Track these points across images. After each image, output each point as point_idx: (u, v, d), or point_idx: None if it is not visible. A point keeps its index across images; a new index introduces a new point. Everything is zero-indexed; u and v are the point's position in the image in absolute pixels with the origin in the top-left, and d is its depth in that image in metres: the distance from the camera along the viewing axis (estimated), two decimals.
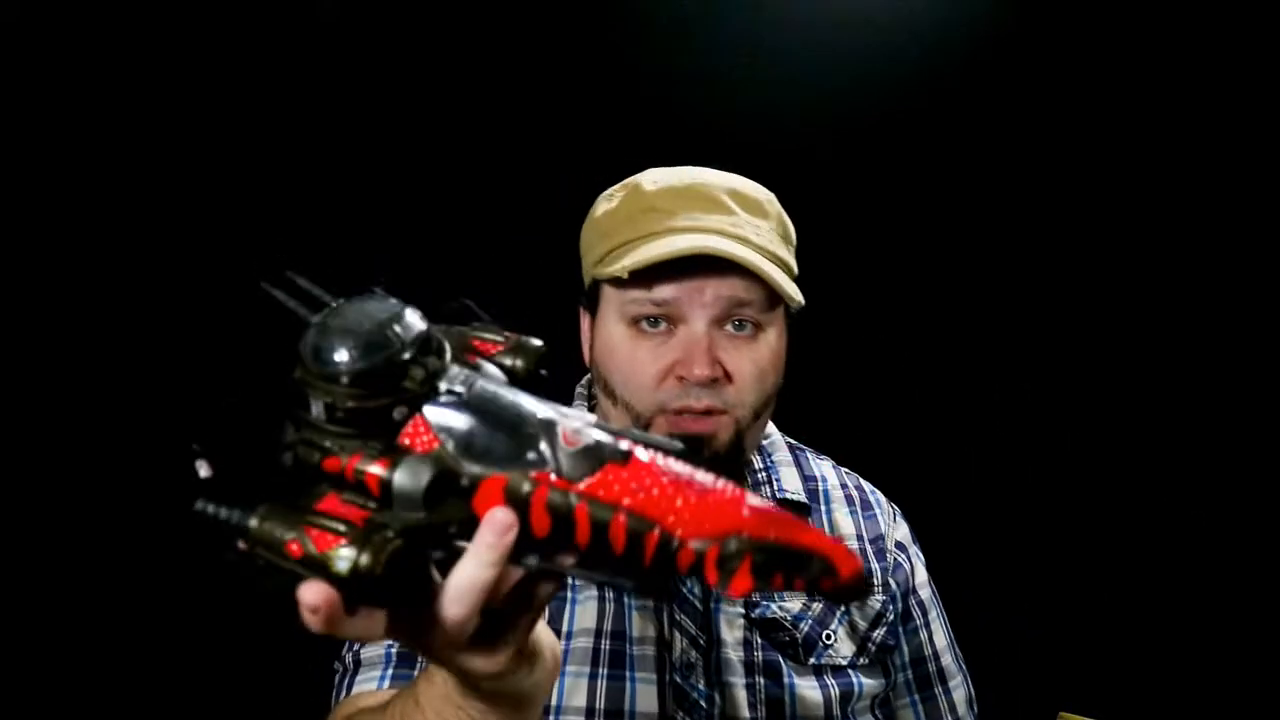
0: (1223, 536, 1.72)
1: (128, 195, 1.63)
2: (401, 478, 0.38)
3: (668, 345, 0.82)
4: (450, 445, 0.39)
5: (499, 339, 0.46)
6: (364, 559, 0.36)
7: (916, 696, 0.94)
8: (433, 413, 0.40)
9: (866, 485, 1.01)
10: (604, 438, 0.40)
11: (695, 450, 0.76)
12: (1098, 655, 1.73)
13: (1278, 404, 1.73)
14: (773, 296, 0.83)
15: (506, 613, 0.45)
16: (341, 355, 0.39)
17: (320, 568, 0.36)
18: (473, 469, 0.39)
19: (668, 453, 0.41)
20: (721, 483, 0.40)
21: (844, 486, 0.98)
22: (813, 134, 1.78)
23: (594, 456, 0.39)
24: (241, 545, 0.38)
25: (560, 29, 1.76)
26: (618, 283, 0.83)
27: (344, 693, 0.79)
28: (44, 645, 1.56)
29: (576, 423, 0.41)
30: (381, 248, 1.68)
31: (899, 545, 0.96)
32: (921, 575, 0.97)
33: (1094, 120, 1.79)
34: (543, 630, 0.50)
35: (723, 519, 0.38)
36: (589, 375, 0.95)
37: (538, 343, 0.47)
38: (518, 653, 0.46)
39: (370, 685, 0.78)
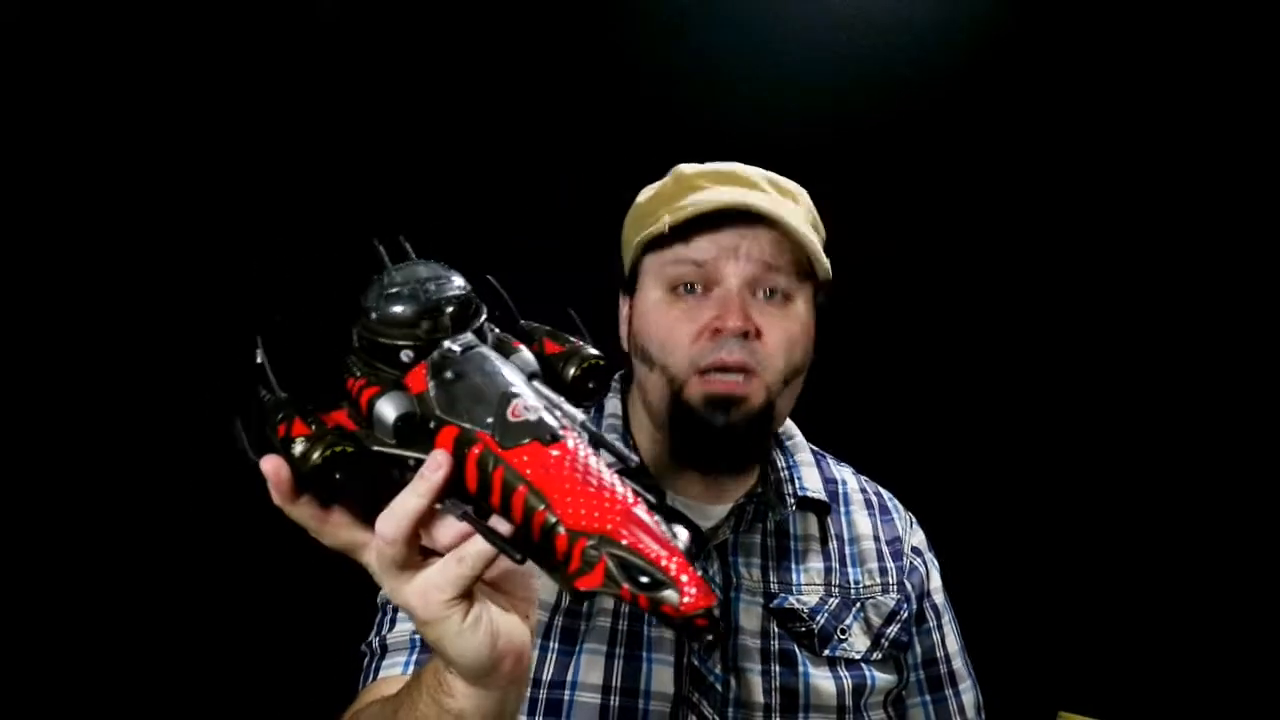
0: (1223, 536, 1.72)
1: (124, 194, 1.63)
2: (381, 405, 0.45)
3: (703, 305, 0.86)
4: (433, 392, 0.46)
5: (563, 344, 0.53)
6: (310, 451, 0.44)
7: (928, 697, 0.96)
8: (431, 363, 0.47)
9: (885, 493, 1.04)
10: (549, 420, 0.44)
11: (724, 409, 0.83)
12: (1098, 655, 1.73)
13: (1277, 404, 1.73)
14: (802, 268, 0.87)
15: (442, 561, 0.48)
16: (373, 296, 0.48)
17: (284, 449, 0.45)
18: (441, 416, 0.45)
19: (619, 464, 0.45)
20: (625, 489, 0.42)
21: (863, 491, 1.01)
22: (813, 134, 1.78)
23: (528, 431, 0.43)
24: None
25: (560, 29, 1.76)
26: (658, 247, 0.88)
27: (371, 677, 0.82)
28: (47, 643, 1.56)
29: (533, 401, 0.45)
30: (380, 246, 1.68)
31: (915, 550, 0.99)
32: (936, 581, 1.00)
33: (1094, 120, 1.79)
34: (514, 623, 0.52)
35: (604, 519, 0.40)
36: (621, 371, 0.98)
37: (592, 352, 0.52)
38: (449, 604, 0.48)
39: (395, 670, 0.80)
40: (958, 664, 0.98)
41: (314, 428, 0.45)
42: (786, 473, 0.96)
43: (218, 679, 1.59)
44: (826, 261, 0.89)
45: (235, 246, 1.63)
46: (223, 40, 1.66)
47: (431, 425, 0.45)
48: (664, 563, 0.39)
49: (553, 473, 0.42)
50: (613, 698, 0.82)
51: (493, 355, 0.47)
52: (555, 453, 0.43)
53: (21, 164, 1.59)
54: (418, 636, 0.81)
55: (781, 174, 0.93)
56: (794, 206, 0.89)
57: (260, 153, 1.67)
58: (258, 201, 1.66)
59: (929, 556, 1.01)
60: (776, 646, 0.86)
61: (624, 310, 0.96)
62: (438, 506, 0.46)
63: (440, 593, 0.47)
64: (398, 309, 0.47)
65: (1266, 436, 1.73)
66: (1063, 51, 1.78)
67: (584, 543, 0.40)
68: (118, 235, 1.62)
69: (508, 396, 0.44)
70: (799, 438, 1.02)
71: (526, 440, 0.43)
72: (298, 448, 0.44)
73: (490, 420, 0.44)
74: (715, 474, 0.92)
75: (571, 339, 0.54)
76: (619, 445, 0.48)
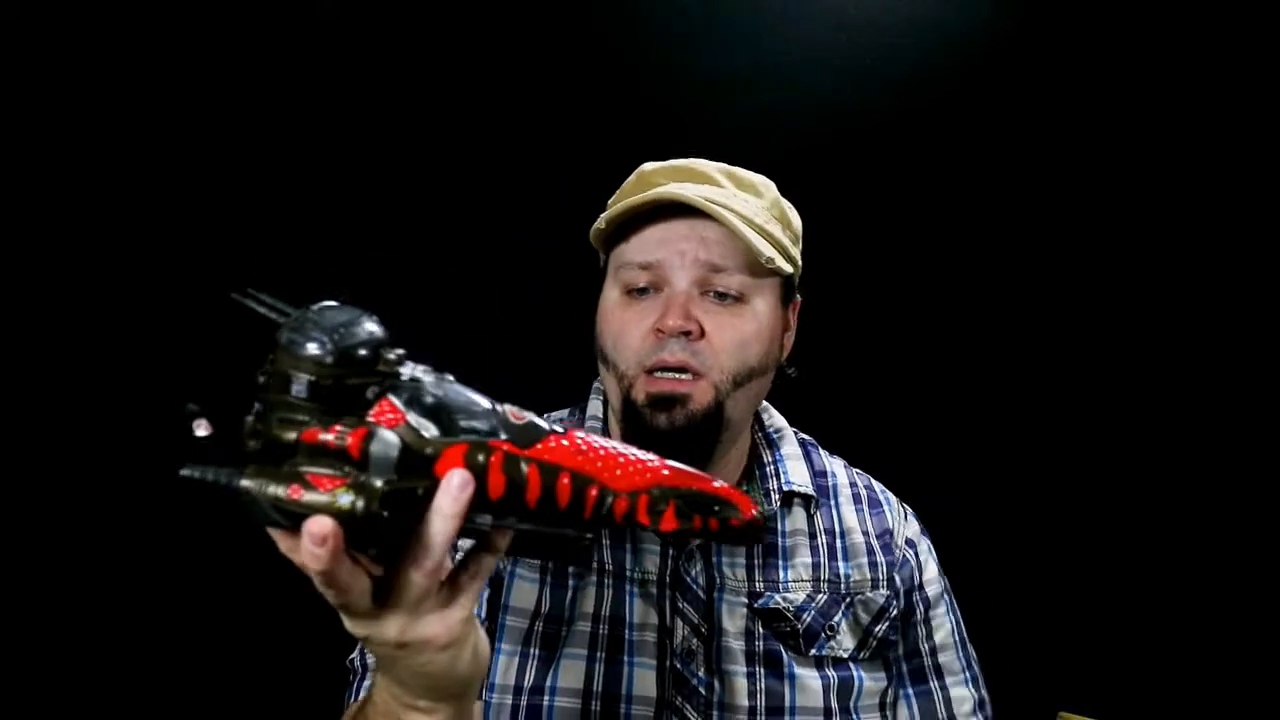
0: (1223, 536, 1.72)
1: (122, 193, 1.63)
2: (377, 445, 0.44)
3: (653, 306, 0.85)
4: (413, 420, 0.46)
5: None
6: (360, 500, 0.42)
7: (910, 690, 0.93)
8: (397, 395, 0.46)
9: (877, 485, 1.01)
10: (540, 420, 0.48)
11: (666, 409, 0.84)
12: (1098, 655, 1.73)
13: (1277, 404, 1.73)
14: (755, 265, 0.85)
15: (458, 579, 0.50)
16: (329, 339, 0.45)
17: (324, 506, 0.43)
18: (435, 440, 0.46)
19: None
20: (645, 453, 0.50)
21: (853, 485, 0.99)
22: (813, 134, 1.78)
23: (536, 430, 0.47)
24: (243, 491, 0.44)
25: (560, 29, 1.76)
26: (615, 247, 0.89)
27: (354, 696, 0.82)
28: (47, 644, 1.56)
29: (517, 408, 0.48)
30: (380, 245, 1.68)
31: (908, 542, 0.96)
32: (931, 572, 0.97)
33: (1093, 120, 1.79)
34: (474, 622, 0.54)
35: (648, 475, 0.48)
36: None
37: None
38: (469, 620, 0.50)
39: None
40: (946, 657, 0.94)
41: (340, 474, 0.43)
42: (772, 467, 0.95)
43: (208, 683, 1.59)
44: (781, 261, 0.85)
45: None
46: (222, 40, 1.66)
47: (429, 451, 0.45)
48: (713, 488, 0.49)
49: (581, 455, 0.47)
50: (594, 703, 0.81)
51: (446, 377, 0.49)
52: (568, 441, 0.48)
53: (21, 165, 1.59)
54: None
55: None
56: (752, 199, 0.87)
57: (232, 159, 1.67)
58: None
59: (923, 547, 0.98)
60: (761, 647, 0.85)
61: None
62: (470, 524, 0.47)
63: (463, 611, 0.49)
64: (361, 349, 0.45)
65: (1266, 437, 1.73)
66: (1062, 52, 1.78)
67: (645, 499, 0.47)
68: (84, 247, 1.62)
69: (494, 408, 0.47)
70: (787, 431, 1.00)
71: (541, 436, 0.47)
72: (343, 499, 0.42)
73: (490, 429, 0.46)
74: None
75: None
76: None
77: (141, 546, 1.59)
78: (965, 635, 0.98)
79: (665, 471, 0.48)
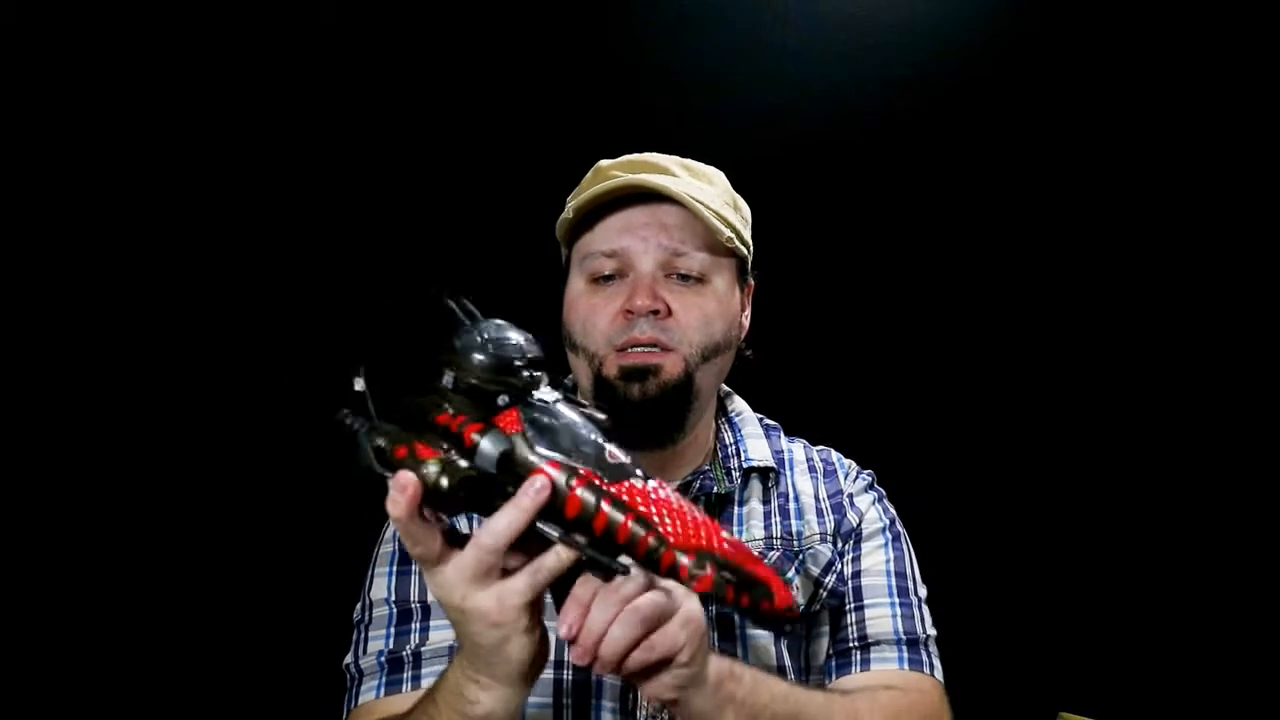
0: (1223, 536, 1.72)
1: (121, 193, 1.63)
2: (488, 442, 0.53)
3: (619, 290, 0.89)
4: (529, 433, 0.54)
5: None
6: (445, 476, 0.52)
7: (826, 610, 0.92)
8: (524, 409, 0.55)
9: (835, 455, 1.03)
10: (634, 466, 0.55)
11: (639, 379, 0.88)
12: (1098, 655, 1.73)
13: (1276, 404, 1.73)
14: (715, 246, 0.89)
15: (521, 570, 0.56)
16: (482, 348, 0.55)
17: (413, 468, 0.52)
18: (541, 453, 0.54)
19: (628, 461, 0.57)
20: (704, 517, 0.55)
21: (809, 459, 1.01)
22: (813, 134, 1.78)
23: (625, 472, 0.55)
24: (371, 446, 0.54)
25: (560, 28, 1.76)
26: (578, 238, 0.93)
27: (354, 702, 0.87)
28: (48, 644, 1.56)
29: (619, 449, 0.56)
30: (380, 244, 1.68)
31: (851, 497, 0.97)
32: (870, 515, 0.96)
33: (1092, 120, 1.79)
34: (531, 616, 0.59)
35: (703, 540, 0.54)
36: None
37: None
38: (522, 609, 0.57)
39: (370, 696, 0.85)
40: (868, 581, 0.93)
41: (440, 452, 0.52)
42: (734, 447, 0.98)
43: (208, 683, 1.59)
44: (736, 242, 0.91)
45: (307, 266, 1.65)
46: (222, 39, 1.66)
47: (532, 459, 0.53)
48: (758, 570, 0.54)
49: (653, 504, 0.53)
50: (565, 672, 0.84)
51: (568, 408, 0.57)
52: (649, 487, 0.54)
53: (21, 165, 1.59)
54: (383, 660, 0.86)
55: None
56: (707, 187, 0.91)
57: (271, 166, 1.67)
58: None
59: (867, 499, 0.98)
60: (714, 610, 0.85)
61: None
62: (539, 526, 0.53)
63: (518, 597, 0.56)
64: (505, 361, 0.55)
65: (1265, 437, 1.73)
66: (1062, 52, 1.78)
67: (691, 557, 0.53)
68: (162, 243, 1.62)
69: (600, 444, 0.55)
70: (747, 413, 1.04)
71: (626, 479, 0.54)
72: (430, 469, 0.51)
73: (590, 458, 0.54)
74: (647, 449, 0.91)
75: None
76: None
77: (141, 546, 1.59)
78: (906, 570, 0.96)
79: (719, 542, 0.54)
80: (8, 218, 1.58)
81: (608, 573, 0.54)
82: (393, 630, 0.87)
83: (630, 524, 0.52)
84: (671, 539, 0.52)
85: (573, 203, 0.91)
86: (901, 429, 1.73)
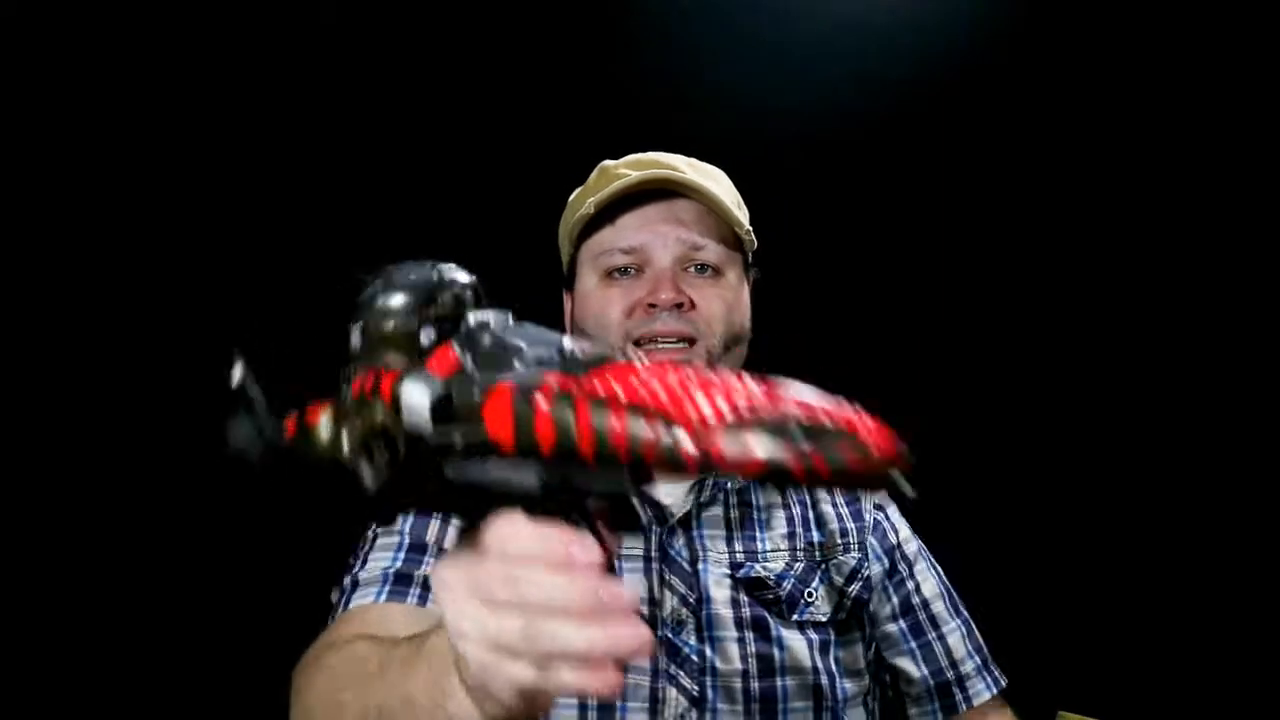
0: (1223, 536, 1.72)
1: (122, 193, 1.63)
2: (409, 389, 0.39)
3: (637, 284, 0.89)
4: (469, 364, 0.40)
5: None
6: (338, 429, 0.38)
7: (913, 644, 0.97)
8: (460, 338, 0.42)
9: None
10: (617, 352, 0.39)
11: None
12: (1098, 655, 1.73)
13: (1276, 404, 1.73)
14: (728, 239, 0.91)
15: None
16: (377, 288, 0.43)
17: (307, 438, 0.40)
18: (481, 381, 0.39)
19: None
20: (726, 375, 0.36)
21: None
22: (813, 133, 1.78)
23: (601, 353, 0.38)
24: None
25: (559, 28, 1.76)
26: (590, 236, 0.92)
27: (343, 609, 0.82)
28: (47, 644, 1.56)
29: (588, 344, 0.40)
30: (380, 243, 1.68)
31: (877, 505, 1.01)
32: (905, 531, 1.01)
33: (1092, 120, 1.79)
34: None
35: (732, 401, 0.34)
36: None
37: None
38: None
39: (368, 599, 0.80)
40: (938, 608, 0.99)
41: (335, 404, 0.39)
42: None
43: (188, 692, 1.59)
44: (749, 229, 0.93)
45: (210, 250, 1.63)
46: (222, 39, 1.66)
47: (475, 394, 0.39)
48: (829, 411, 0.33)
49: (649, 381, 0.35)
50: None
51: (526, 324, 0.42)
52: (641, 365, 0.37)
53: (21, 166, 1.59)
54: (390, 571, 0.81)
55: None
56: (715, 184, 0.92)
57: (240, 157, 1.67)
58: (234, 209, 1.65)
59: (891, 510, 1.02)
60: (749, 614, 0.88)
61: (567, 305, 1.00)
62: (511, 487, 0.39)
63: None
64: (407, 289, 0.43)
65: (1265, 437, 1.73)
66: (1062, 52, 1.78)
67: (721, 432, 0.33)
68: (95, 240, 1.62)
69: (565, 342, 0.39)
70: None
71: (603, 361, 0.37)
72: (323, 430, 0.39)
73: (548, 359, 0.38)
74: None
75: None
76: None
77: (140, 545, 1.59)
78: (949, 585, 1.02)
79: (753, 398, 0.34)
80: None
81: (622, 514, 0.39)
82: (402, 555, 0.83)
83: (625, 418, 0.35)
84: (683, 419, 0.34)
85: (593, 199, 0.91)
86: (900, 428, 1.73)
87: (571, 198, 0.99)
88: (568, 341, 0.39)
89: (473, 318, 0.42)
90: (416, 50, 1.74)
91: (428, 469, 0.40)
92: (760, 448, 0.32)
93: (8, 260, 1.58)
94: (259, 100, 1.69)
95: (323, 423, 0.39)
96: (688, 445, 0.34)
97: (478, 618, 0.40)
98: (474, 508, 0.41)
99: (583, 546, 0.38)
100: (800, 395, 0.34)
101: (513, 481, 0.38)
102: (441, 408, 0.39)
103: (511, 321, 0.43)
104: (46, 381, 1.61)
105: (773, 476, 0.33)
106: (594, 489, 0.38)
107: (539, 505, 0.39)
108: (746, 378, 0.35)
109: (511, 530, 0.39)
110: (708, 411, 0.33)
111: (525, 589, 0.38)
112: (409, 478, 0.40)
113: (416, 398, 0.39)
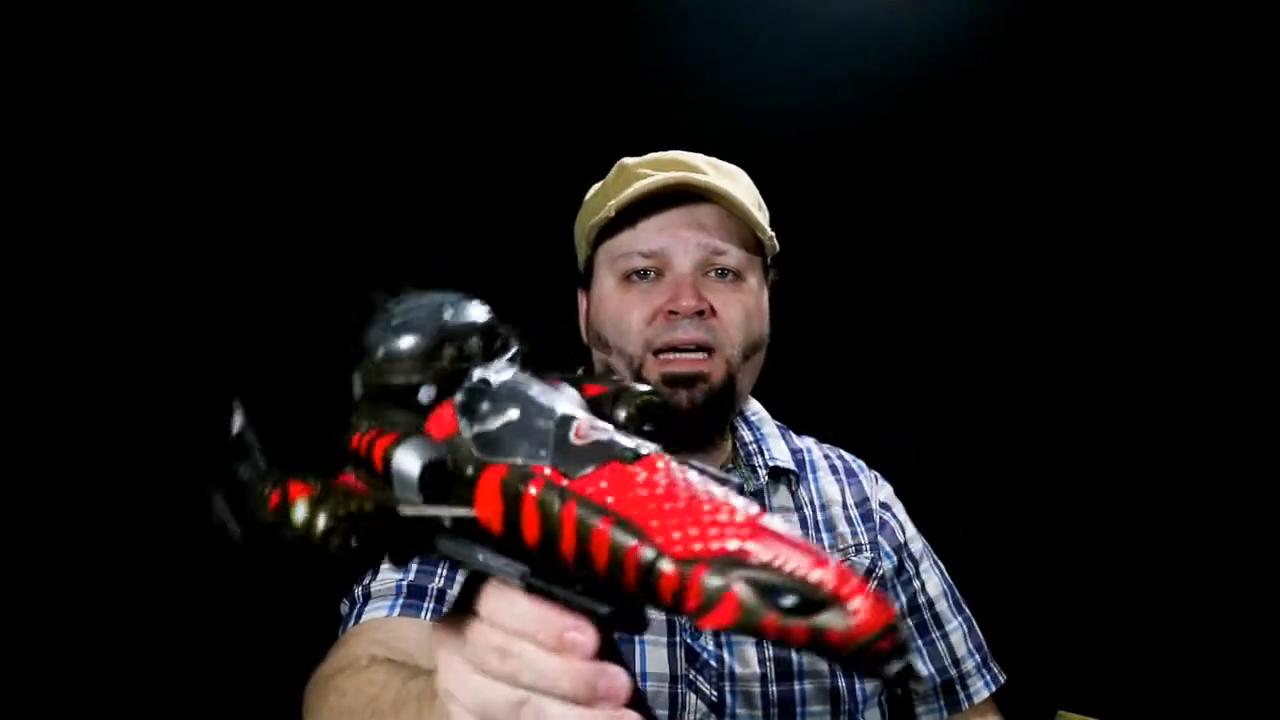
0: (1223, 536, 1.72)
1: (122, 192, 1.63)
2: (401, 455, 0.36)
3: (656, 289, 0.88)
4: (467, 433, 0.37)
5: (605, 384, 0.42)
6: (315, 512, 0.34)
7: (918, 642, 0.97)
8: (459, 398, 0.38)
9: (848, 456, 1.05)
10: (624, 440, 0.35)
11: (686, 387, 0.77)
12: (1098, 655, 1.73)
13: (1276, 404, 1.73)
14: (749, 243, 0.90)
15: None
16: (376, 332, 0.39)
17: (281, 520, 0.35)
18: (481, 457, 0.36)
19: (719, 481, 0.35)
20: (744, 501, 0.33)
21: (827, 457, 1.03)
22: (813, 133, 1.78)
23: (600, 452, 0.35)
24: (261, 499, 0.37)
25: (558, 28, 1.76)
26: (609, 238, 0.90)
27: (354, 621, 0.80)
28: (47, 644, 1.56)
29: (600, 422, 0.37)
30: (380, 243, 1.68)
31: (883, 505, 1.00)
32: (910, 530, 1.01)
33: (1092, 120, 1.79)
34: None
35: (720, 537, 0.31)
36: (584, 367, 0.97)
37: (644, 389, 0.41)
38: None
39: (380, 613, 0.78)
40: (941, 606, 0.99)
41: (318, 487, 0.35)
42: (755, 445, 0.98)
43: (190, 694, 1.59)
44: (772, 233, 0.91)
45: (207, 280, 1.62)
46: (222, 39, 1.66)
47: (470, 471, 0.36)
48: (814, 575, 0.30)
49: (642, 495, 0.33)
50: None
51: (536, 382, 0.38)
52: (641, 472, 0.34)
53: (21, 166, 1.59)
54: (404, 584, 0.80)
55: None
56: (736, 185, 0.91)
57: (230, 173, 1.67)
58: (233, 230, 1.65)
59: (898, 508, 1.02)
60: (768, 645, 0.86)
61: (582, 304, 0.98)
62: (497, 575, 0.37)
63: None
64: (410, 339, 0.39)
65: (1265, 437, 1.73)
66: (1062, 52, 1.78)
67: (701, 571, 0.31)
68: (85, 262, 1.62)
69: (566, 419, 0.36)
70: (763, 412, 1.04)
71: (600, 463, 0.34)
72: (299, 512, 0.34)
73: (545, 452, 0.35)
74: (681, 453, 0.91)
75: (614, 377, 0.44)
76: (714, 470, 0.39)
77: (140, 545, 1.59)
78: (951, 583, 1.03)
79: (751, 541, 0.31)
80: None
81: (604, 622, 0.36)
82: (415, 566, 0.81)
83: (610, 532, 0.32)
84: (667, 545, 0.31)
85: (613, 202, 0.89)
86: (900, 428, 1.73)
87: (589, 195, 0.98)
88: (568, 408, 0.37)
89: (477, 374, 0.39)
90: (416, 50, 1.74)
91: (417, 541, 0.38)
92: (737, 604, 0.30)
93: (8, 271, 1.58)
94: (259, 100, 1.69)
95: (299, 505, 0.35)
96: (665, 576, 0.31)
97: (467, 684, 0.38)
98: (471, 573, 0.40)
99: (581, 630, 0.36)
100: (789, 542, 0.31)
101: (504, 567, 0.36)
102: (434, 480, 0.36)
103: (516, 373, 0.39)
104: (47, 384, 1.60)
105: (743, 630, 0.31)
106: (576, 590, 0.36)
107: (532, 590, 0.37)
108: (741, 502, 0.33)
109: (506, 603, 0.37)
110: (694, 545, 0.31)
111: (516, 666, 0.36)
112: (397, 549, 0.37)
113: (408, 467, 0.36)
